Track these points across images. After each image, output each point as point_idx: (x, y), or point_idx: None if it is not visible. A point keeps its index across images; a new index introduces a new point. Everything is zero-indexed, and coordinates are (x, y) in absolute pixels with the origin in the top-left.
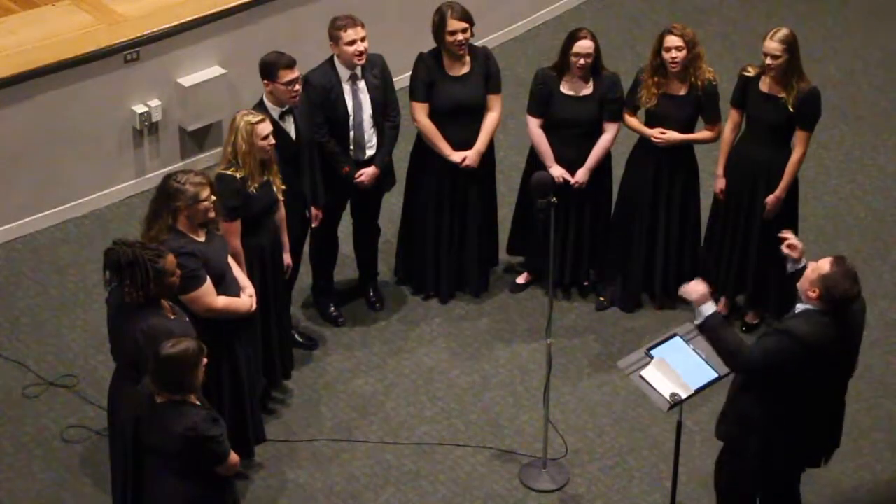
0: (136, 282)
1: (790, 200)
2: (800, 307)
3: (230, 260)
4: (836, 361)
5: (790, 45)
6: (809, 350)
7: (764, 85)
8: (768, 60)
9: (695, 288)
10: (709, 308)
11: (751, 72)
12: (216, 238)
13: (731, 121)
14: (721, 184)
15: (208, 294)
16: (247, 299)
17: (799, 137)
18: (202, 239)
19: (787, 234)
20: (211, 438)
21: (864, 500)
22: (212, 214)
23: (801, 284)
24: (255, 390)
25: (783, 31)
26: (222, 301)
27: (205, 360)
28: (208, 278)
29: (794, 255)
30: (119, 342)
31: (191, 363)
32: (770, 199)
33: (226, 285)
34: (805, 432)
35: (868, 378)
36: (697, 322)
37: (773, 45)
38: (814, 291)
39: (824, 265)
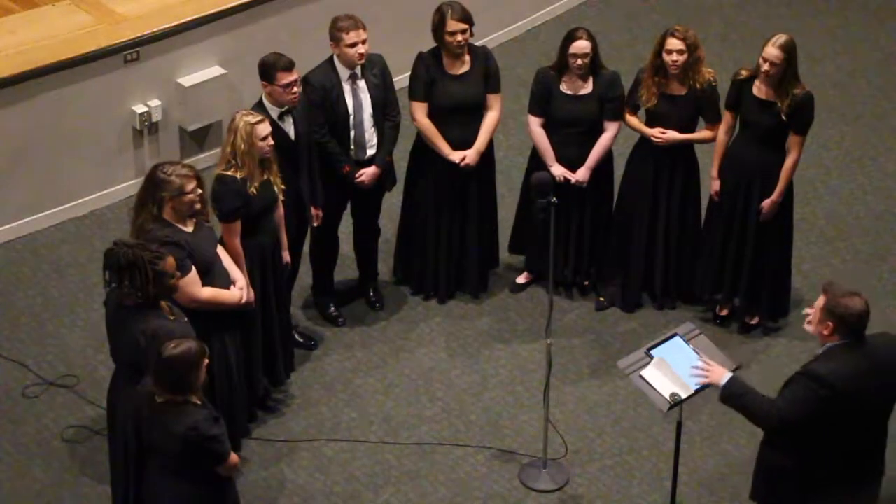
0: (136, 283)
1: (786, 204)
2: (821, 349)
3: (221, 253)
4: (866, 400)
5: (790, 52)
6: (837, 389)
7: (759, 91)
8: (766, 66)
9: (713, 374)
10: (725, 378)
11: (744, 74)
12: (204, 229)
13: (724, 123)
14: (716, 186)
15: (193, 284)
16: (236, 292)
17: (793, 141)
18: (189, 229)
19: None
20: (212, 438)
21: None
22: (198, 206)
23: (814, 330)
24: (252, 388)
25: (784, 38)
26: (207, 292)
27: (206, 361)
28: (193, 268)
29: (812, 329)
30: (119, 343)
31: (192, 364)
32: (766, 203)
33: (213, 277)
34: (844, 480)
35: None
36: (719, 395)
37: (773, 51)
38: (826, 328)
39: (819, 299)
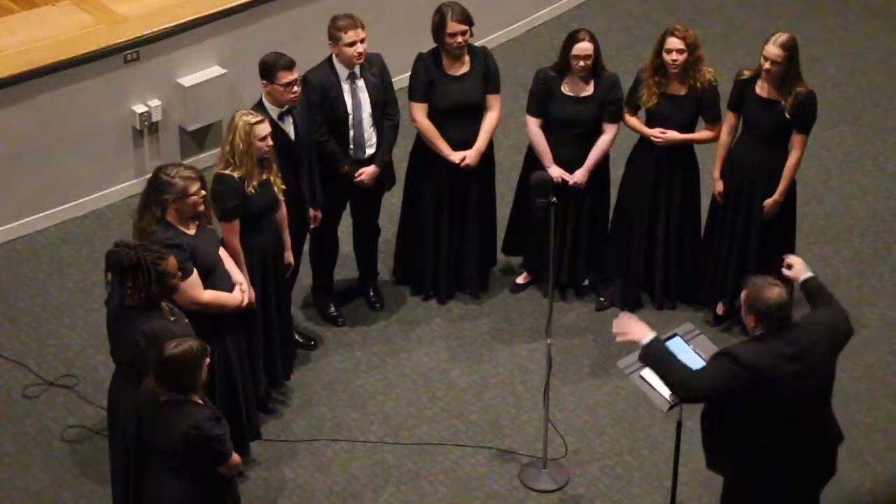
0: (139, 284)
1: (788, 203)
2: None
3: (224, 254)
4: (793, 385)
5: (792, 50)
6: (751, 369)
7: (761, 90)
8: (767, 65)
9: (626, 326)
10: (646, 337)
11: (746, 74)
12: (207, 231)
13: (727, 124)
14: (719, 186)
15: (194, 287)
16: (238, 294)
17: (796, 141)
18: (192, 231)
19: (788, 257)
20: (213, 437)
21: (864, 500)
22: (201, 208)
23: (744, 322)
24: (256, 388)
25: (785, 36)
26: (209, 294)
27: (207, 360)
28: (195, 271)
29: (792, 274)
30: (119, 344)
31: (194, 363)
32: (768, 202)
33: (215, 279)
34: (791, 463)
35: (868, 378)
36: (638, 354)
37: (774, 50)
38: (751, 320)
39: (742, 295)
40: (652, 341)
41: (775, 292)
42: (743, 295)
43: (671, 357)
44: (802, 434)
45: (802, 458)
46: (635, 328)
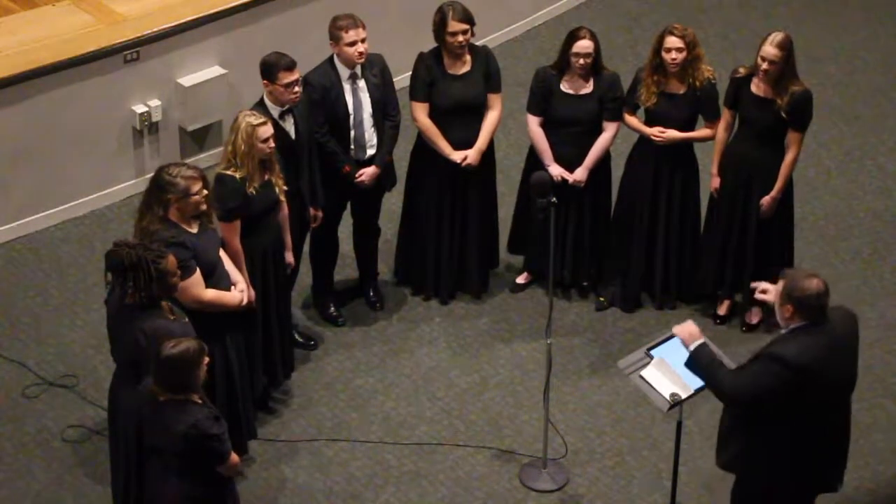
0: (139, 283)
1: (786, 200)
2: (784, 331)
3: (223, 255)
4: (831, 378)
5: (788, 49)
6: (799, 370)
7: (757, 89)
8: (764, 65)
9: (685, 329)
10: (694, 343)
11: (742, 72)
12: (208, 230)
13: (723, 120)
14: (716, 183)
15: (197, 285)
16: (237, 294)
17: (792, 139)
18: (194, 230)
19: (757, 285)
20: (212, 437)
21: (864, 500)
22: (203, 207)
23: (777, 314)
24: (254, 388)
25: (781, 36)
26: (211, 293)
27: (206, 360)
28: (198, 269)
29: (770, 298)
30: (120, 343)
31: (192, 363)
32: (765, 199)
33: (216, 278)
34: (812, 459)
35: (868, 378)
36: (685, 360)
37: (771, 50)
38: (787, 310)
39: (778, 285)
40: (701, 345)
41: (814, 282)
42: (780, 285)
43: (714, 362)
44: (827, 433)
45: (824, 457)
46: (690, 332)
